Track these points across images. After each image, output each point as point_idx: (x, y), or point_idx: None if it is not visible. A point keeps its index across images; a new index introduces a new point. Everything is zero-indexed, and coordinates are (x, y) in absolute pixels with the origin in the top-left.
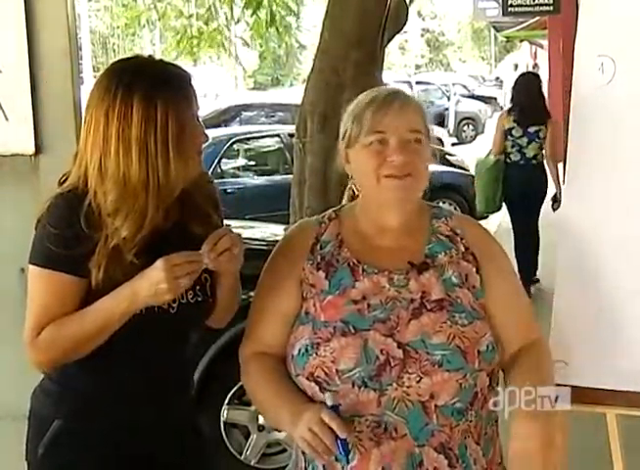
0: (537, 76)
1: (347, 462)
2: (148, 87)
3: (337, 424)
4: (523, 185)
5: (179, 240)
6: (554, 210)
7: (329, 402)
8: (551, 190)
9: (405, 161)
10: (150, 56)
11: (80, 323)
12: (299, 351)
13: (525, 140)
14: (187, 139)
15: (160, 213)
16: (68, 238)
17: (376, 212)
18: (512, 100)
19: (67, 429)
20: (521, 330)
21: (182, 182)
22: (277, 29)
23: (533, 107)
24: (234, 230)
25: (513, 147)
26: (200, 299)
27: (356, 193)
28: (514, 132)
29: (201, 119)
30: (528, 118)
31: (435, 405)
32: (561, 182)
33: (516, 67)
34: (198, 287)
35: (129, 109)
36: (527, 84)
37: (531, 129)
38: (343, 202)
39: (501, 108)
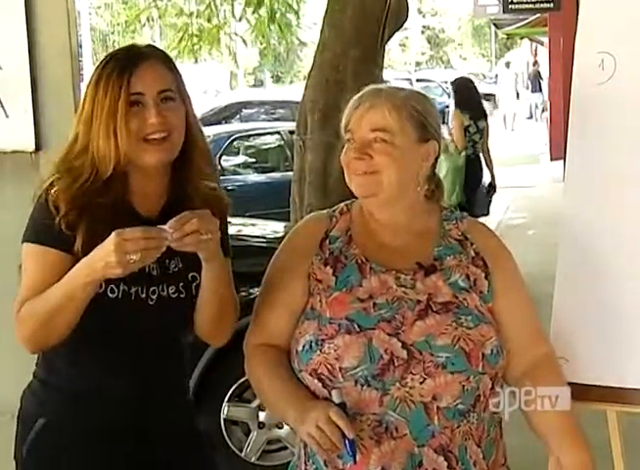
0: (470, 79)
1: (355, 462)
2: (102, 67)
3: (344, 423)
4: (473, 176)
5: None
6: (490, 195)
7: (336, 400)
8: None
9: (362, 159)
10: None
11: (49, 293)
12: (304, 346)
13: (478, 136)
14: (119, 119)
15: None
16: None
17: (369, 210)
18: (459, 101)
19: (50, 427)
20: (530, 343)
21: (112, 158)
22: (280, 27)
23: (479, 104)
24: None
25: (469, 142)
26: (182, 296)
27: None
28: (470, 129)
29: (151, 108)
30: (479, 115)
31: (438, 407)
32: (494, 171)
33: (507, 64)
34: (182, 284)
35: (88, 85)
36: (468, 85)
37: (481, 125)
38: None
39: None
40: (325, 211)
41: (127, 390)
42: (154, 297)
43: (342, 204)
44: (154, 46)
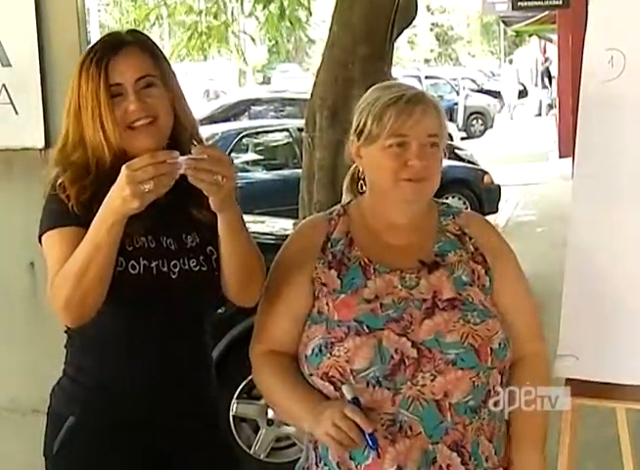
0: None
1: (378, 455)
2: (82, 59)
3: (360, 418)
4: None
5: (178, 218)
6: None
7: (348, 396)
8: None
9: (424, 165)
10: (118, 31)
11: (77, 252)
12: (313, 350)
13: None
14: (103, 110)
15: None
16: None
17: (385, 210)
18: None
19: (80, 425)
20: (522, 339)
21: (105, 148)
22: (291, 23)
23: None
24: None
25: None
26: (204, 269)
27: (364, 188)
28: None
29: (131, 94)
30: None
31: (450, 404)
32: None
33: (510, 61)
34: (202, 257)
35: (72, 77)
36: None
37: None
38: (344, 195)
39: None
40: (322, 214)
41: (154, 387)
42: (176, 270)
43: (339, 205)
44: (136, 31)
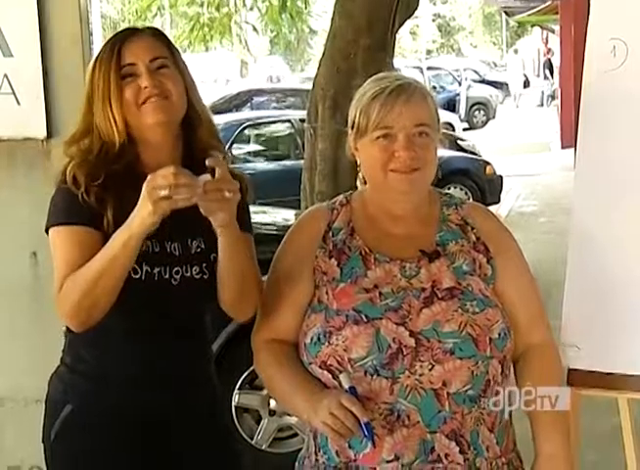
0: None
1: (374, 445)
2: (99, 51)
3: (357, 408)
4: None
5: (184, 221)
6: None
7: (345, 384)
8: None
9: (412, 156)
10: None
11: (92, 262)
12: (312, 339)
13: None
14: (112, 90)
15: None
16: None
17: (384, 201)
18: None
19: (77, 413)
20: (527, 330)
21: (114, 130)
22: (291, 15)
23: None
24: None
25: None
26: (206, 276)
27: (364, 180)
28: None
29: (144, 75)
30: None
31: (448, 393)
32: None
33: (516, 51)
34: (205, 264)
35: (89, 68)
36: None
37: None
38: (359, 186)
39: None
40: (325, 204)
41: (150, 375)
42: (177, 277)
43: (341, 195)
44: (152, 27)
